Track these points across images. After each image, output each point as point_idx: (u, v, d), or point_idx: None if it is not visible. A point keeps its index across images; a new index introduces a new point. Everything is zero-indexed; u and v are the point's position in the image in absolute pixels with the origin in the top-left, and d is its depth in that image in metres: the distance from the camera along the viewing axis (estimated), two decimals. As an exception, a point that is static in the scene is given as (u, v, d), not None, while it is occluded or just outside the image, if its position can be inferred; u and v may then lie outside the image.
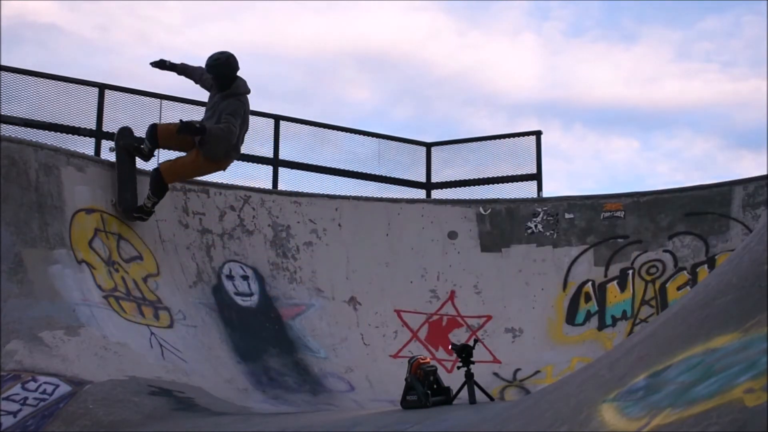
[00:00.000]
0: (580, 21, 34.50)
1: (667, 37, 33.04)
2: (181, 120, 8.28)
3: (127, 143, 8.73)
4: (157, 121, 9.48)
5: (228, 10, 30.94)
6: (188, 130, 8.13)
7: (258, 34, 31.82)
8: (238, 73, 8.45)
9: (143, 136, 8.70)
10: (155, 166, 8.68)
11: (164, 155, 9.23)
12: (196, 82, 8.78)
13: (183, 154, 8.67)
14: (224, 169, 8.72)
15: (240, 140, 8.50)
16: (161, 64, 8.68)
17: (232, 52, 8.40)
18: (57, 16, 30.45)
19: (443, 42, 31.68)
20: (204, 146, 8.30)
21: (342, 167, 11.65)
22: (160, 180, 8.44)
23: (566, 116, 34.58)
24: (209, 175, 8.89)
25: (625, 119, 34.34)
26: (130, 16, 29.44)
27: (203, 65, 8.47)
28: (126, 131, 8.85)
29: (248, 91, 8.48)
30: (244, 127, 8.46)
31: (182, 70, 8.76)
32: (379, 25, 31.13)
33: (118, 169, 8.66)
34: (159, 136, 8.55)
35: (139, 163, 8.90)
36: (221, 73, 8.29)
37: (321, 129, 11.67)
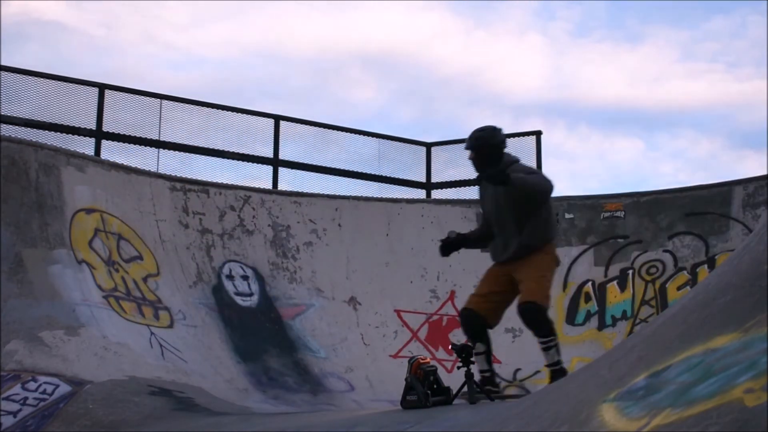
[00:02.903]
0: (585, 21, 34.54)
1: (672, 37, 33.10)
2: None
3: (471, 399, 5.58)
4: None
5: (234, 10, 31.01)
6: (457, 243, 6.20)
7: (263, 34, 31.88)
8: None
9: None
10: (528, 303, 5.68)
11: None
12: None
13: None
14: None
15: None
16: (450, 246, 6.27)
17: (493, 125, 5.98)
18: (62, 13, 30.49)
19: (448, 42, 31.74)
20: (543, 237, 5.88)
21: (342, 167, 11.66)
22: (544, 313, 5.74)
23: (571, 116, 34.64)
24: None
25: (630, 119, 34.40)
26: (135, 14, 29.50)
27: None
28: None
29: (518, 160, 6.05)
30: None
31: (474, 237, 6.46)
32: (385, 26, 31.19)
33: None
34: (482, 313, 5.93)
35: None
36: (489, 151, 5.83)
37: (322, 129, 11.68)
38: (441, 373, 5.84)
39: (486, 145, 5.84)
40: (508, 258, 5.90)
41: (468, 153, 5.91)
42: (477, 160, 5.87)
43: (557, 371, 5.72)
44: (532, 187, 5.68)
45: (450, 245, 6.25)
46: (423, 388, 5.47)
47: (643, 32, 33.58)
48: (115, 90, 10.40)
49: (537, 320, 5.73)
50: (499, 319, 5.99)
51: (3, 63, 9.87)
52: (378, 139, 12.02)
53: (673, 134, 35.92)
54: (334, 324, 9.44)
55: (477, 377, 5.76)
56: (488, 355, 6.00)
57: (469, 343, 5.86)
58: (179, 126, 10.77)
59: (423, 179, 12.08)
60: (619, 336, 9.29)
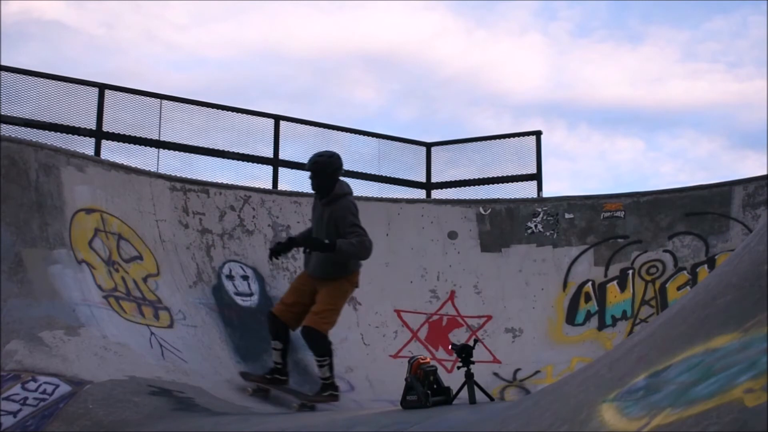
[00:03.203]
0: (586, 21, 34.55)
1: (673, 37, 33.10)
2: (310, 239, 6.95)
3: (258, 378, 7.50)
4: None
5: (234, 9, 31.01)
6: (285, 248, 7.08)
7: (264, 33, 31.89)
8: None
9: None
10: (306, 326, 7.01)
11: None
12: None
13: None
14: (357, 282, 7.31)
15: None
16: (278, 251, 7.21)
17: (334, 151, 7.26)
18: (62, 13, 30.50)
19: (449, 42, 31.74)
20: (338, 272, 6.99)
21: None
22: (320, 336, 6.99)
23: (571, 116, 34.64)
24: None
25: (630, 119, 34.40)
26: (136, 14, 29.50)
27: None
28: (246, 375, 7.71)
29: (352, 192, 7.21)
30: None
31: (301, 239, 7.28)
32: (385, 26, 31.21)
33: (276, 387, 7.41)
34: (282, 319, 7.16)
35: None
36: (323, 174, 7.01)
37: (322, 129, 11.69)
38: (441, 373, 5.85)
39: (320, 171, 6.96)
40: (313, 273, 7.05)
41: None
42: (313, 181, 7.02)
43: (327, 385, 7.10)
44: (347, 255, 6.84)
45: (280, 249, 7.17)
46: (423, 388, 5.48)
47: (644, 32, 33.60)
48: (115, 90, 10.41)
49: (313, 343, 6.98)
50: (299, 324, 7.10)
51: (3, 63, 9.88)
52: (378, 139, 12.02)
53: (673, 134, 35.94)
54: (334, 324, 9.43)
55: (271, 365, 7.21)
56: (284, 352, 7.22)
57: (470, 344, 5.88)
58: (179, 126, 10.78)
59: (423, 179, 12.08)
60: (619, 336, 9.29)
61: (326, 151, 7.21)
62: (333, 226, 6.86)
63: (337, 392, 7.21)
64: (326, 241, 6.76)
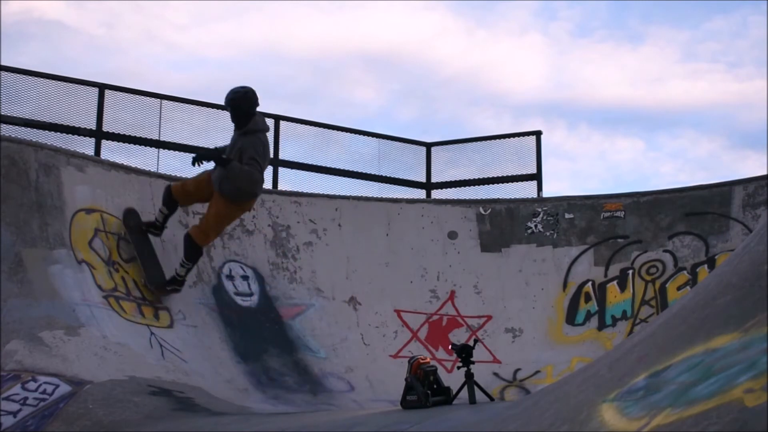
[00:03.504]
0: (586, 21, 34.52)
1: (673, 37, 33.08)
2: (201, 153, 8.06)
3: (136, 223, 8.47)
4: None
5: (235, 9, 31.00)
6: (204, 156, 7.91)
7: (264, 33, 31.87)
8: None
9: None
10: (186, 231, 8.33)
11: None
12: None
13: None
14: (250, 209, 8.45)
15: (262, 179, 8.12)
16: (201, 158, 8.05)
17: (251, 87, 7.98)
18: (63, 13, 30.50)
19: (450, 42, 31.71)
20: (225, 189, 7.91)
21: (343, 167, 11.66)
22: (193, 245, 8.16)
23: (571, 116, 34.63)
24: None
25: (630, 119, 34.38)
26: (136, 14, 29.50)
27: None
28: (131, 212, 8.54)
29: (267, 129, 8.09)
30: (265, 164, 8.01)
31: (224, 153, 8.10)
32: (385, 26, 31.18)
33: (136, 249, 8.34)
34: (176, 196, 8.32)
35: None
36: (239, 109, 7.85)
37: (322, 129, 11.69)
38: (441, 373, 5.85)
39: (236, 107, 7.84)
40: (213, 183, 7.97)
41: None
42: (231, 115, 7.91)
43: (177, 281, 8.23)
44: (235, 181, 7.78)
45: (203, 156, 8.01)
46: (423, 388, 5.48)
47: (644, 32, 33.56)
48: (115, 90, 10.41)
49: (187, 249, 8.16)
50: (187, 205, 8.74)
51: (3, 63, 9.88)
52: (378, 139, 12.02)
53: (673, 134, 35.92)
54: (334, 324, 9.44)
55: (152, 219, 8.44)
56: (167, 217, 8.44)
57: (470, 344, 5.88)
58: (179, 126, 10.78)
59: (423, 179, 12.08)
60: (619, 336, 9.29)
61: (242, 87, 7.92)
62: (238, 155, 7.78)
63: (180, 289, 8.29)
64: (223, 156, 7.83)
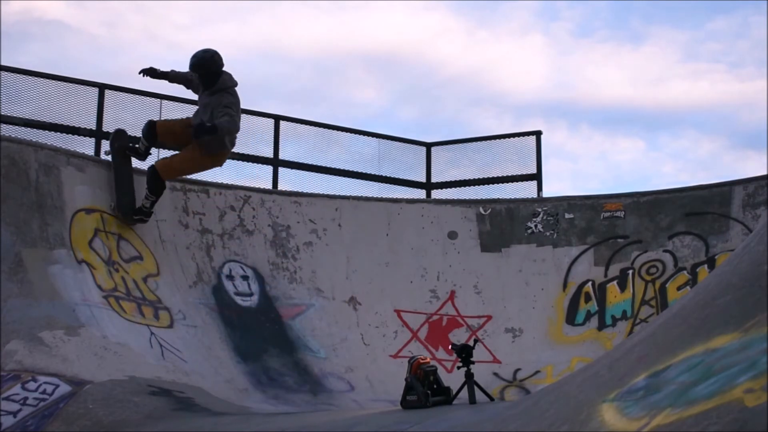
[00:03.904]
0: (588, 21, 34.50)
1: (674, 37, 33.06)
2: (195, 124, 8.30)
3: (122, 145, 8.74)
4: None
5: (236, 9, 30.97)
6: (203, 131, 8.17)
7: (266, 34, 31.84)
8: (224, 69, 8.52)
9: (140, 135, 8.71)
10: (150, 164, 8.70)
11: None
12: (188, 87, 8.76)
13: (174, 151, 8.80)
14: (221, 164, 8.80)
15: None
16: (152, 72, 8.58)
17: (214, 48, 8.47)
18: (64, 13, 30.48)
19: (451, 42, 31.69)
20: (204, 141, 8.32)
21: (343, 167, 11.66)
22: (157, 178, 8.45)
23: (572, 116, 34.60)
24: (205, 171, 9.01)
25: (631, 120, 34.35)
26: (137, 14, 29.49)
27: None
28: (120, 133, 8.86)
29: (236, 84, 8.53)
30: (239, 117, 8.50)
31: (174, 77, 8.70)
32: (386, 26, 31.15)
33: (115, 172, 8.65)
34: (158, 132, 8.59)
35: (135, 162, 8.89)
36: (207, 70, 8.32)
37: (322, 129, 11.68)
38: (441, 373, 5.85)
39: (205, 67, 8.31)
40: (193, 130, 8.28)
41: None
42: (199, 76, 8.33)
43: (143, 211, 8.52)
44: (223, 133, 8.23)
45: (154, 75, 8.53)
46: (423, 388, 5.48)
47: (645, 32, 33.55)
48: (115, 90, 10.40)
49: (151, 181, 8.43)
50: (163, 139, 8.83)
51: (3, 63, 9.87)
52: (378, 139, 12.02)
53: (674, 134, 35.91)
54: (334, 324, 9.44)
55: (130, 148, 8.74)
56: (147, 148, 8.69)
57: (470, 344, 5.88)
58: (179, 126, 10.76)
59: (423, 179, 12.08)
60: (619, 336, 9.29)
61: (208, 49, 8.39)
62: (210, 112, 8.24)
63: (147, 219, 8.59)
64: (208, 125, 8.16)
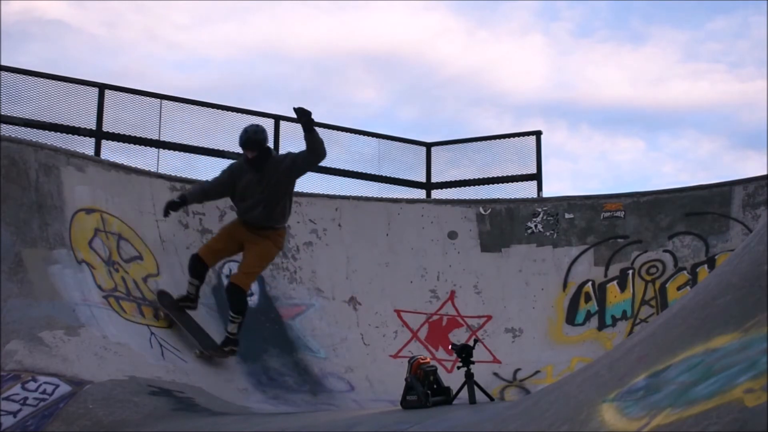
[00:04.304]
0: (588, 21, 34.54)
1: (674, 37, 33.09)
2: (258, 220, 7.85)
3: (171, 303, 8.22)
4: (174, 192, 9.07)
5: (236, 9, 31.01)
6: (309, 121, 7.45)
7: (266, 33, 31.89)
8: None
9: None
10: (229, 283, 8.07)
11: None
12: (208, 199, 8.37)
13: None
14: (281, 247, 8.32)
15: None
16: (173, 206, 8.00)
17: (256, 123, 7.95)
18: (64, 12, 30.50)
19: (451, 42, 31.72)
20: (281, 221, 7.92)
21: (343, 167, 11.66)
22: (239, 292, 7.90)
23: (572, 116, 34.64)
24: None
25: (631, 120, 34.40)
26: (137, 13, 29.51)
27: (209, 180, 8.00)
28: (163, 295, 8.27)
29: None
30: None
31: (191, 198, 8.16)
32: (386, 26, 31.19)
33: (181, 324, 8.07)
34: (206, 261, 8.06)
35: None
36: (260, 148, 7.69)
37: (322, 129, 11.66)
38: (441, 373, 5.85)
39: (259, 145, 7.65)
40: (255, 222, 7.78)
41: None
42: (252, 154, 7.62)
43: (231, 341, 7.86)
44: (320, 142, 7.58)
45: (174, 205, 7.96)
46: (423, 388, 5.48)
47: (646, 32, 33.60)
48: (115, 90, 10.41)
49: (235, 300, 7.82)
50: (216, 263, 8.39)
51: (4, 63, 9.88)
52: (378, 139, 12.02)
53: (674, 134, 35.95)
54: (334, 324, 9.44)
55: (178, 295, 8.12)
56: (199, 288, 8.12)
57: (470, 344, 5.88)
58: (179, 126, 10.78)
59: (423, 179, 12.08)
60: (619, 336, 9.29)
61: (254, 126, 7.81)
62: (285, 175, 7.69)
63: (237, 349, 7.95)
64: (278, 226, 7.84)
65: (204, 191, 8.11)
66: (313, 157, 7.64)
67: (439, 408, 5.39)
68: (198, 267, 8.01)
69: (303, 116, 7.34)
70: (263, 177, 7.68)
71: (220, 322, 8.71)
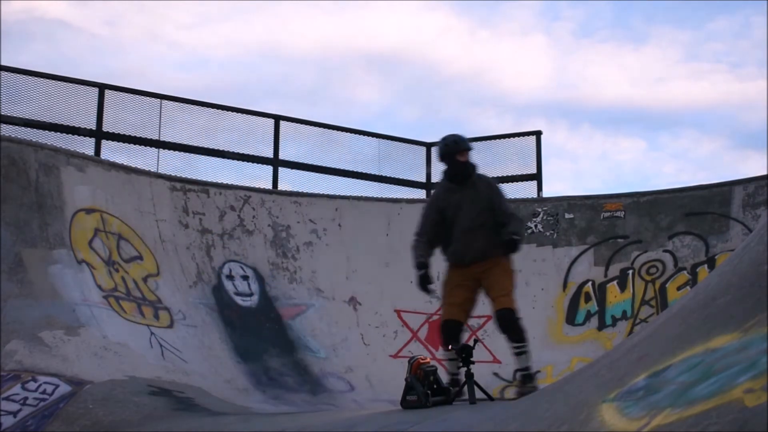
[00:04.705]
0: (590, 21, 34.56)
1: (676, 37, 33.12)
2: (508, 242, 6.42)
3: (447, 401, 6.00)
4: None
5: (237, 9, 31.03)
6: (515, 246, 6.48)
7: (267, 33, 31.91)
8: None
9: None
10: (501, 309, 6.37)
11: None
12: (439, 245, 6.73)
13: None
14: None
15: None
16: (427, 279, 6.53)
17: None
18: (65, 12, 30.52)
19: (452, 42, 31.75)
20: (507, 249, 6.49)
21: (343, 167, 11.66)
22: (517, 318, 6.40)
23: (574, 116, 34.68)
24: None
25: (632, 120, 34.43)
26: (138, 13, 29.53)
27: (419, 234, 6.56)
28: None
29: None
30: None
31: (429, 255, 6.73)
32: (388, 26, 31.22)
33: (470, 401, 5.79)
34: (458, 320, 6.44)
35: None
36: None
37: (322, 129, 11.69)
38: (441, 373, 5.85)
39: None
40: (481, 258, 6.47)
41: (464, 152, 6.34)
42: (461, 167, 6.34)
43: (527, 376, 6.32)
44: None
45: (426, 279, 6.54)
46: (423, 388, 5.47)
47: (647, 33, 33.63)
48: (115, 90, 10.41)
49: (515, 327, 6.31)
50: (468, 318, 6.59)
51: (4, 63, 9.88)
52: (378, 139, 12.02)
53: (675, 134, 35.98)
54: (334, 324, 9.44)
55: (448, 379, 6.19)
56: (469, 357, 6.04)
57: (470, 344, 5.88)
58: (179, 126, 10.78)
59: (423, 179, 12.08)
60: (619, 336, 9.28)
61: (454, 135, 6.42)
62: (487, 201, 6.37)
63: (537, 385, 6.39)
64: (515, 237, 6.42)
65: (439, 237, 6.67)
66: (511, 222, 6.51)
67: (439, 408, 5.39)
68: (453, 330, 6.42)
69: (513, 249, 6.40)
70: (469, 194, 6.44)
71: (221, 322, 8.72)
